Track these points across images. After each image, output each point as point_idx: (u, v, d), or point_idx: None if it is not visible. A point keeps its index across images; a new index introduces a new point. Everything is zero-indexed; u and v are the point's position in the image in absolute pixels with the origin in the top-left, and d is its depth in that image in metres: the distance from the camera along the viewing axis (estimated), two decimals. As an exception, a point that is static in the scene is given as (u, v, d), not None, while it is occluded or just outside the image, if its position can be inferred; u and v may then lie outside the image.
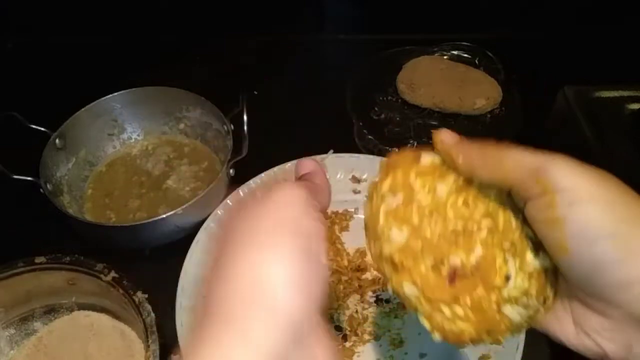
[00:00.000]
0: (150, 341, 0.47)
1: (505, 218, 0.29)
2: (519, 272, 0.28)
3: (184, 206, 0.58)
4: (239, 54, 0.85)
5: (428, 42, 0.79)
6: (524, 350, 0.51)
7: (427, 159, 0.31)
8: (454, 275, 0.28)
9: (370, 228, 0.30)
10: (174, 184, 0.68)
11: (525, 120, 0.70)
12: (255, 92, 0.76)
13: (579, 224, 0.24)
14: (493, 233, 0.29)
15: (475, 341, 0.28)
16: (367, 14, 0.87)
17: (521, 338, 0.51)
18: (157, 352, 0.47)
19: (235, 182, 0.65)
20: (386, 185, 0.30)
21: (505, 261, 0.28)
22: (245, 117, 0.63)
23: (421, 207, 0.29)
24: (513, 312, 0.28)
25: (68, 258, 0.52)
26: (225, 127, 0.66)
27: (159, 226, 0.59)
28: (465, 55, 0.79)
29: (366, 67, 0.77)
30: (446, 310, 0.28)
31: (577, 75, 0.70)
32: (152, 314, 0.49)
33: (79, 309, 0.56)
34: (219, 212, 0.62)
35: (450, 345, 0.54)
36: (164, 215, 0.58)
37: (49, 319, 0.56)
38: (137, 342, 0.53)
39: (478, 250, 0.28)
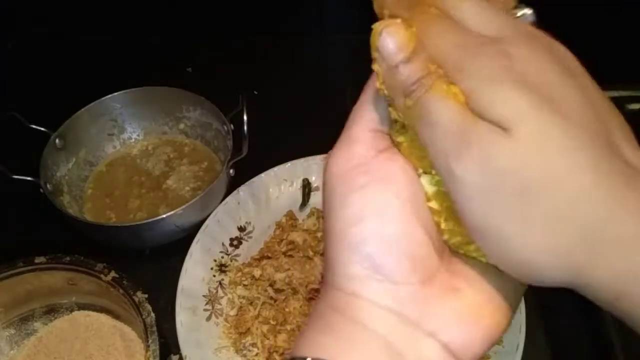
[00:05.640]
0: (150, 341, 0.47)
1: None
2: None
3: (184, 206, 0.58)
4: (239, 53, 0.85)
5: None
6: (524, 350, 0.51)
7: None
8: None
9: None
10: (174, 184, 0.68)
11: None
12: (255, 92, 0.76)
13: None
14: None
15: None
16: (368, 13, 0.87)
17: (521, 338, 0.51)
18: (157, 352, 0.47)
19: (235, 182, 0.65)
20: None
21: None
22: (245, 117, 0.63)
23: None
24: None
25: (68, 258, 0.52)
26: (225, 127, 0.66)
27: (159, 226, 0.59)
28: (465, 55, 0.78)
29: (366, 67, 0.77)
30: None
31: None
32: (152, 314, 0.49)
33: (79, 309, 0.56)
34: (219, 212, 0.62)
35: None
36: (164, 215, 0.58)
37: (49, 319, 0.56)
38: (137, 342, 0.53)
39: None
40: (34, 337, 0.55)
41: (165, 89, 0.70)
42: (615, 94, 0.65)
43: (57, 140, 0.65)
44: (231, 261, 0.61)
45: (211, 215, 0.62)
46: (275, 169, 0.66)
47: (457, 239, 0.23)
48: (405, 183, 0.23)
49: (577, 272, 0.19)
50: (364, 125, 0.24)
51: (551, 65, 0.20)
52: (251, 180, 0.65)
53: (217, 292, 0.58)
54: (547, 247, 0.19)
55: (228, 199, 0.63)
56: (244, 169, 0.65)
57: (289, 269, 0.57)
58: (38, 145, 0.63)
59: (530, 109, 0.18)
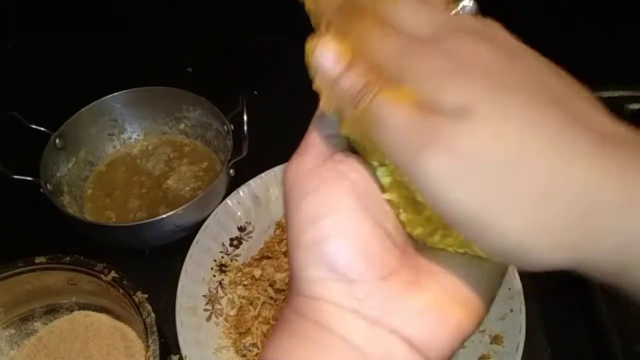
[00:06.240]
0: (150, 341, 0.47)
1: None
2: None
3: (184, 206, 0.58)
4: (239, 53, 0.85)
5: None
6: (524, 350, 0.51)
7: None
8: None
9: None
10: (174, 184, 0.68)
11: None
12: (255, 92, 0.76)
13: None
14: None
15: None
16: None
17: (521, 338, 0.51)
18: (157, 352, 0.47)
19: (235, 182, 0.65)
20: None
21: None
22: (245, 117, 0.63)
23: None
24: None
25: (68, 258, 0.52)
26: (225, 127, 0.66)
27: (159, 226, 0.59)
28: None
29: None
30: None
31: (576, 76, 0.70)
32: (152, 314, 0.49)
33: (79, 309, 0.56)
34: (219, 212, 0.62)
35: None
36: (164, 215, 0.58)
37: (49, 319, 0.56)
38: (137, 342, 0.53)
39: None
40: (34, 337, 0.55)
41: (165, 89, 0.70)
42: (615, 94, 0.65)
43: (57, 140, 0.65)
44: (231, 261, 0.61)
45: (211, 215, 0.62)
46: (275, 169, 0.66)
47: (419, 230, 0.23)
48: (358, 181, 0.23)
49: (572, 248, 0.18)
50: (318, 131, 0.25)
51: (491, 50, 0.19)
52: (251, 180, 0.65)
53: (217, 292, 0.58)
54: (535, 226, 0.18)
55: (228, 199, 0.63)
56: (244, 169, 0.65)
57: (289, 269, 0.57)
58: (38, 145, 0.63)
59: (483, 90, 0.18)
